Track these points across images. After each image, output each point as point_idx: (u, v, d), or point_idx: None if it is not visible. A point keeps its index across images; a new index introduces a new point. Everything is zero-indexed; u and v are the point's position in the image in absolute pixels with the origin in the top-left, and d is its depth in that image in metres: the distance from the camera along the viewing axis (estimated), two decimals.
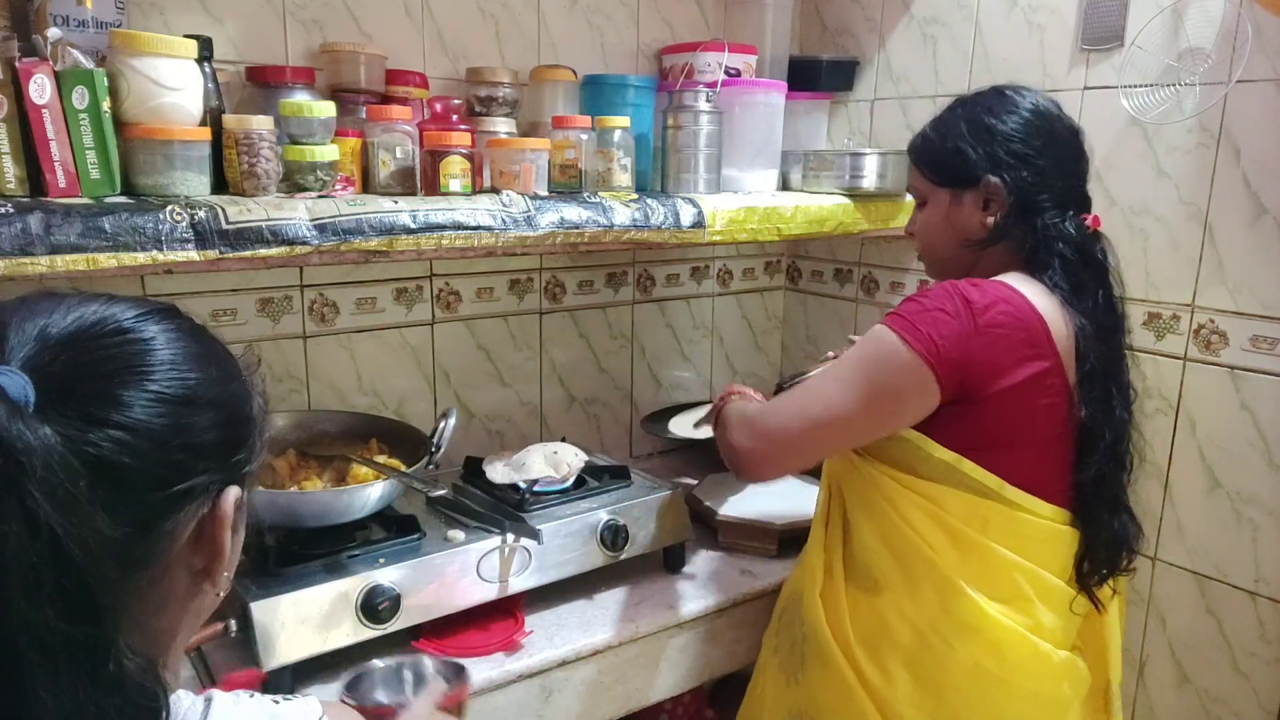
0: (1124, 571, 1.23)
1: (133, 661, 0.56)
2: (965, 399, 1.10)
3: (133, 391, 0.57)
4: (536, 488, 1.50)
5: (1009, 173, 1.19)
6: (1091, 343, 1.15)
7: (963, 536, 1.15)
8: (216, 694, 0.65)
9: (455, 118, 1.48)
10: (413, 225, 1.24)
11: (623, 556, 1.49)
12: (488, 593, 1.36)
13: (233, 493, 0.64)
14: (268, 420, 0.69)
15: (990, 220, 1.21)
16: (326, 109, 1.29)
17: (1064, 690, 1.20)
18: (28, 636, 0.52)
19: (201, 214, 1.09)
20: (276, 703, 0.68)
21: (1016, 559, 1.15)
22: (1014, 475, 1.14)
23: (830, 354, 1.69)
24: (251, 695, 0.68)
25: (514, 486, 1.51)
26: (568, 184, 1.51)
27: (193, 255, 1.09)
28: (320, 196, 1.24)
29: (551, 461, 1.55)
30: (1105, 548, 1.20)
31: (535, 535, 1.37)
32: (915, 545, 1.16)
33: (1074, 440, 1.17)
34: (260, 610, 1.17)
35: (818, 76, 1.95)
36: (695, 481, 1.85)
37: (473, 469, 1.63)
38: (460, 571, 1.33)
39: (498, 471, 1.55)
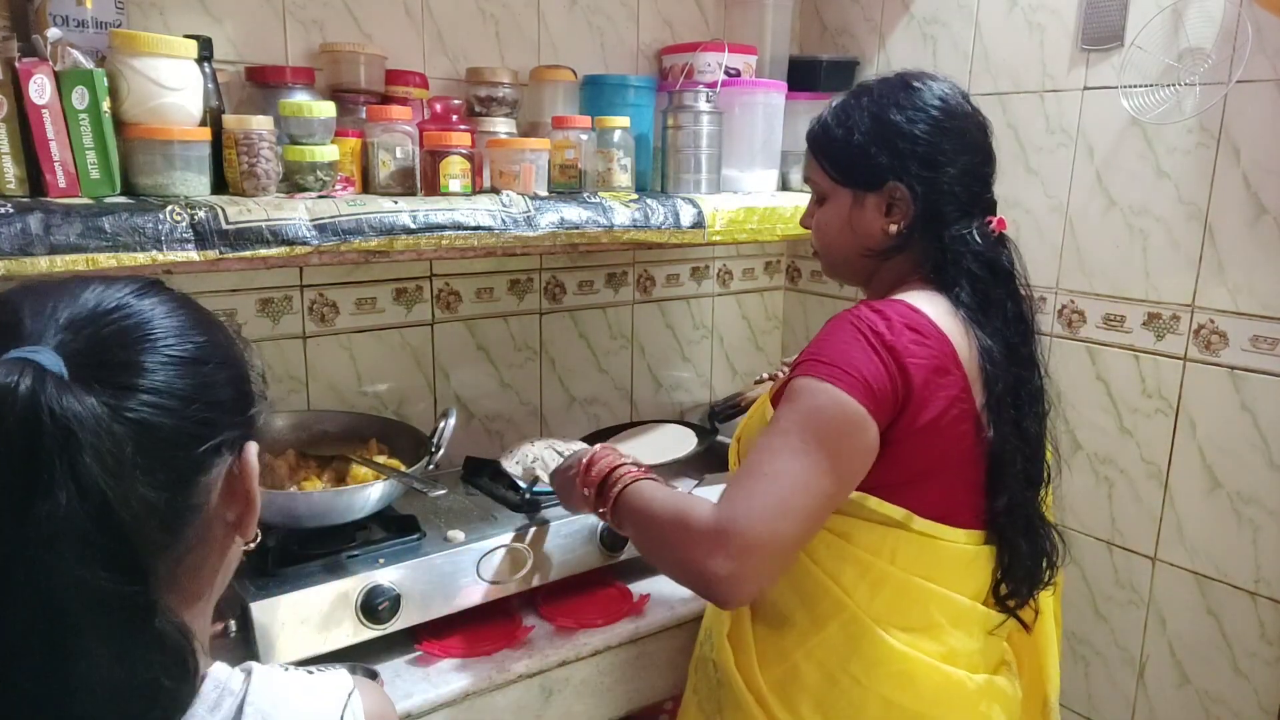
0: (1045, 586, 1.17)
1: (171, 622, 0.60)
2: (882, 441, 1.01)
3: (152, 357, 0.61)
4: (536, 488, 1.50)
5: (915, 179, 1.09)
6: (999, 365, 1.06)
7: (872, 568, 1.07)
8: (255, 666, 0.68)
9: (455, 118, 1.48)
10: (413, 225, 1.24)
11: (623, 556, 1.49)
12: (488, 593, 1.36)
13: (253, 446, 0.69)
14: (264, 378, 0.74)
15: (893, 228, 1.11)
16: (326, 109, 1.29)
17: (989, 712, 1.13)
18: (80, 596, 0.55)
19: (201, 214, 1.09)
20: (311, 673, 0.71)
21: (929, 586, 1.08)
22: (922, 507, 1.06)
23: (764, 375, 1.67)
24: (286, 668, 0.71)
25: (514, 486, 1.51)
26: (568, 184, 1.51)
27: (193, 255, 1.09)
28: (320, 196, 1.24)
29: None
30: (1022, 569, 1.13)
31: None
32: (822, 583, 1.09)
33: (983, 463, 1.08)
34: (260, 610, 1.17)
35: (818, 76, 1.95)
36: (695, 481, 1.85)
37: (473, 469, 1.63)
38: (460, 571, 1.33)
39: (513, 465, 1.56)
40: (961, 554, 1.09)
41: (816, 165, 1.17)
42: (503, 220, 1.33)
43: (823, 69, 1.95)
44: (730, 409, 1.66)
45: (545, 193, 1.44)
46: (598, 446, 1.20)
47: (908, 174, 1.09)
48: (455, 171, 1.35)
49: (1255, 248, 1.46)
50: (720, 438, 1.79)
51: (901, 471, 1.03)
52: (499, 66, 1.60)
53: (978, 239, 1.10)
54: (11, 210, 0.98)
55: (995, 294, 1.09)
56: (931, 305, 1.07)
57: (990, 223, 1.12)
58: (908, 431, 1.01)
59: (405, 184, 1.37)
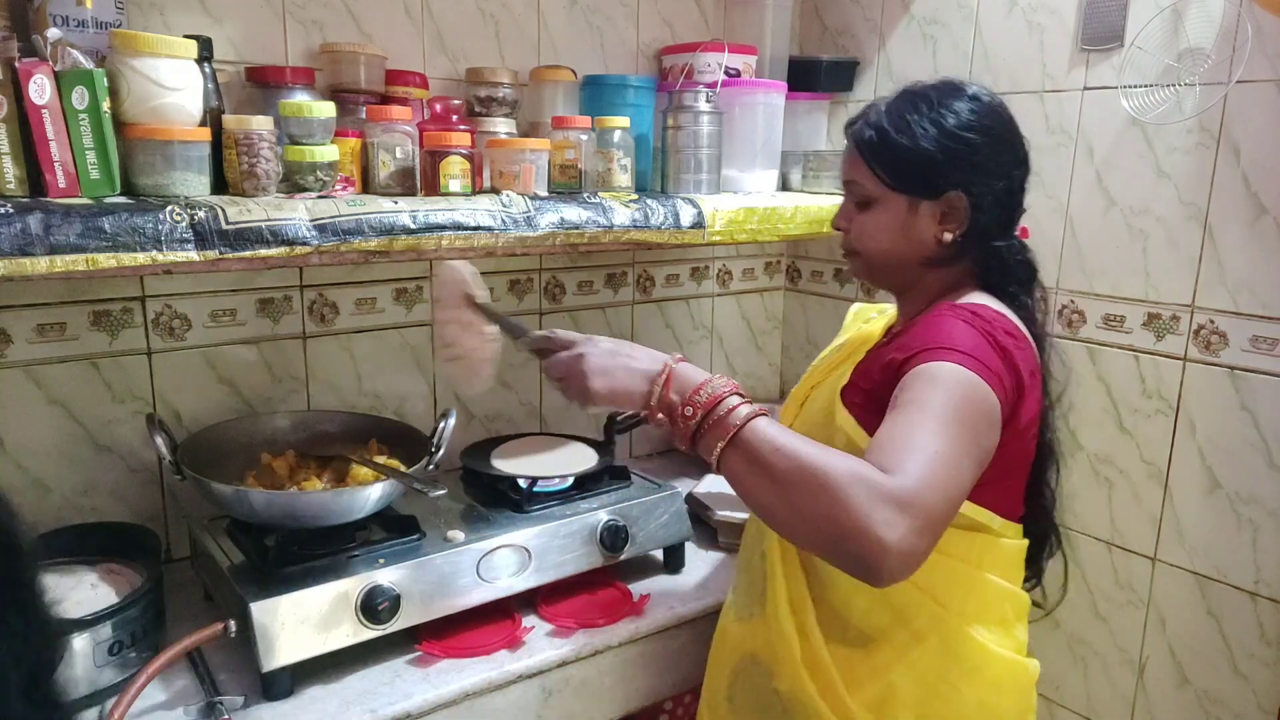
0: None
1: None
2: None
3: None
4: (536, 488, 1.50)
5: (975, 188, 1.10)
6: (1050, 364, 1.13)
7: (961, 573, 1.09)
8: None
9: (455, 118, 1.48)
10: (413, 225, 1.24)
11: (623, 556, 1.49)
12: (488, 593, 1.36)
13: None
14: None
15: (947, 236, 1.12)
16: (326, 109, 1.29)
17: (1033, 696, 1.19)
18: None
19: (201, 214, 1.09)
20: None
21: (1003, 584, 1.12)
22: (998, 505, 1.10)
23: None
24: None
25: (514, 485, 1.51)
26: (568, 184, 1.51)
27: (192, 255, 1.09)
28: (320, 197, 1.24)
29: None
30: (1041, 557, 1.22)
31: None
32: (916, 598, 1.08)
33: (1031, 461, 1.15)
34: (260, 611, 1.17)
35: (818, 77, 1.95)
36: (695, 481, 1.85)
37: (472, 470, 1.62)
38: (460, 571, 1.33)
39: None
40: (1019, 549, 1.15)
41: (866, 170, 1.14)
42: (503, 220, 1.33)
43: (823, 69, 1.95)
44: (631, 419, 1.64)
45: (545, 193, 1.44)
46: (669, 356, 1.00)
47: (970, 184, 1.10)
48: (455, 171, 1.35)
49: (1255, 248, 1.46)
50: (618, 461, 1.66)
51: (994, 470, 1.01)
52: (499, 66, 1.60)
53: (1019, 247, 1.15)
54: (11, 210, 0.98)
55: (1031, 301, 1.15)
56: (1003, 309, 1.10)
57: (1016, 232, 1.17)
58: (1011, 432, 1.02)
59: (405, 184, 1.37)
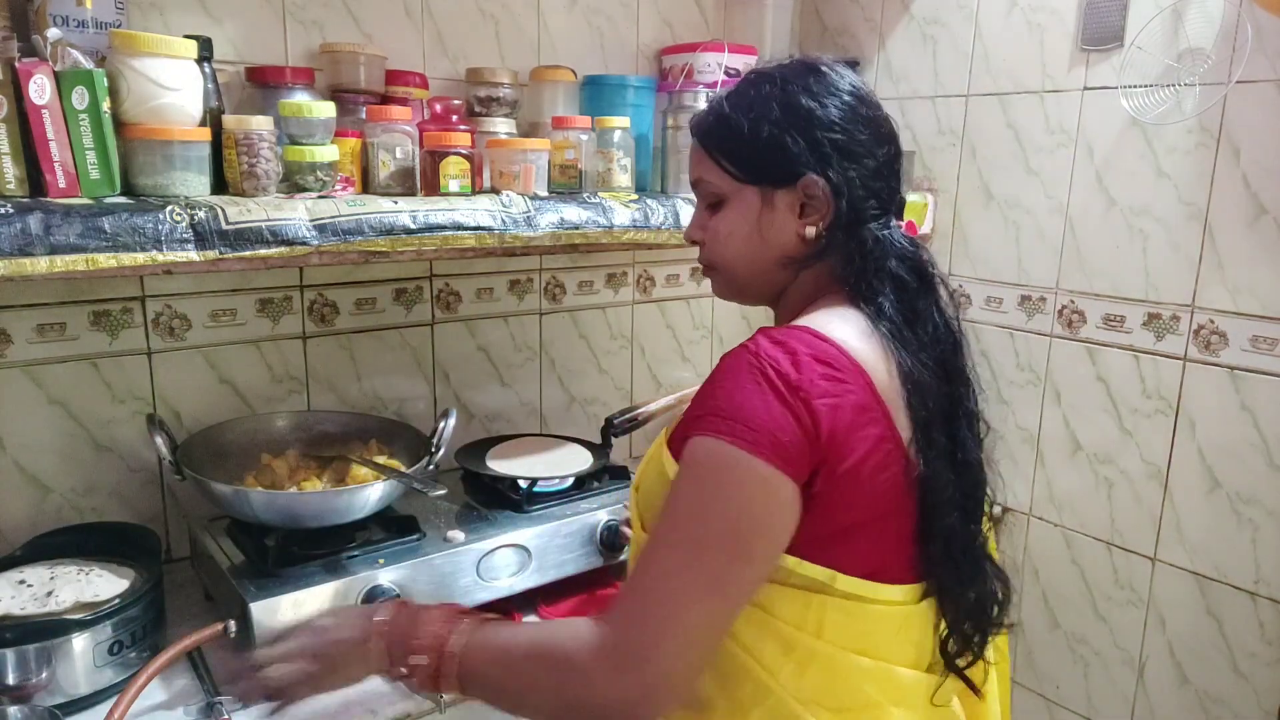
0: (997, 632, 1.01)
1: None
2: (803, 496, 0.86)
3: None
4: (536, 488, 1.50)
5: (834, 170, 0.94)
6: (927, 389, 0.91)
7: (797, 644, 0.90)
8: None
9: (455, 118, 1.48)
10: (413, 226, 1.24)
11: (622, 557, 1.49)
12: (487, 593, 1.36)
13: None
14: None
15: (810, 230, 0.96)
16: (326, 109, 1.29)
17: None
18: None
19: (201, 214, 1.10)
20: None
21: (862, 661, 0.92)
22: (849, 563, 0.90)
23: (665, 391, 1.55)
24: None
25: (514, 485, 1.51)
26: (568, 184, 1.51)
27: (192, 256, 1.09)
28: (320, 197, 1.24)
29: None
30: (969, 620, 0.97)
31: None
32: (742, 663, 0.92)
33: (915, 505, 0.91)
34: (260, 610, 1.17)
35: None
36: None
37: (466, 455, 1.62)
38: (460, 571, 1.33)
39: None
40: (894, 616, 0.93)
41: (712, 164, 1.00)
42: (503, 220, 1.33)
43: None
44: (627, 423, 1.61)
45: (545, 193, 1.44)
46: (388, 602, 0.97)
47: (826, 166, 0.94)
48: (455, 172, 1.35)
49: (1255, 248, 1.46)
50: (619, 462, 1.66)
51: (825, 527, 0.88)
52: (499, 67, 1.60)
53: (903, 241, 0.97)
54: (11, 210, 0.98)
55: (921, 304, 0.95)
56: (843, 327, 0.91)
57: (901, 226, 0.99)
58: (829, 483, 0.85)
59: (405, 184, 1.37)
